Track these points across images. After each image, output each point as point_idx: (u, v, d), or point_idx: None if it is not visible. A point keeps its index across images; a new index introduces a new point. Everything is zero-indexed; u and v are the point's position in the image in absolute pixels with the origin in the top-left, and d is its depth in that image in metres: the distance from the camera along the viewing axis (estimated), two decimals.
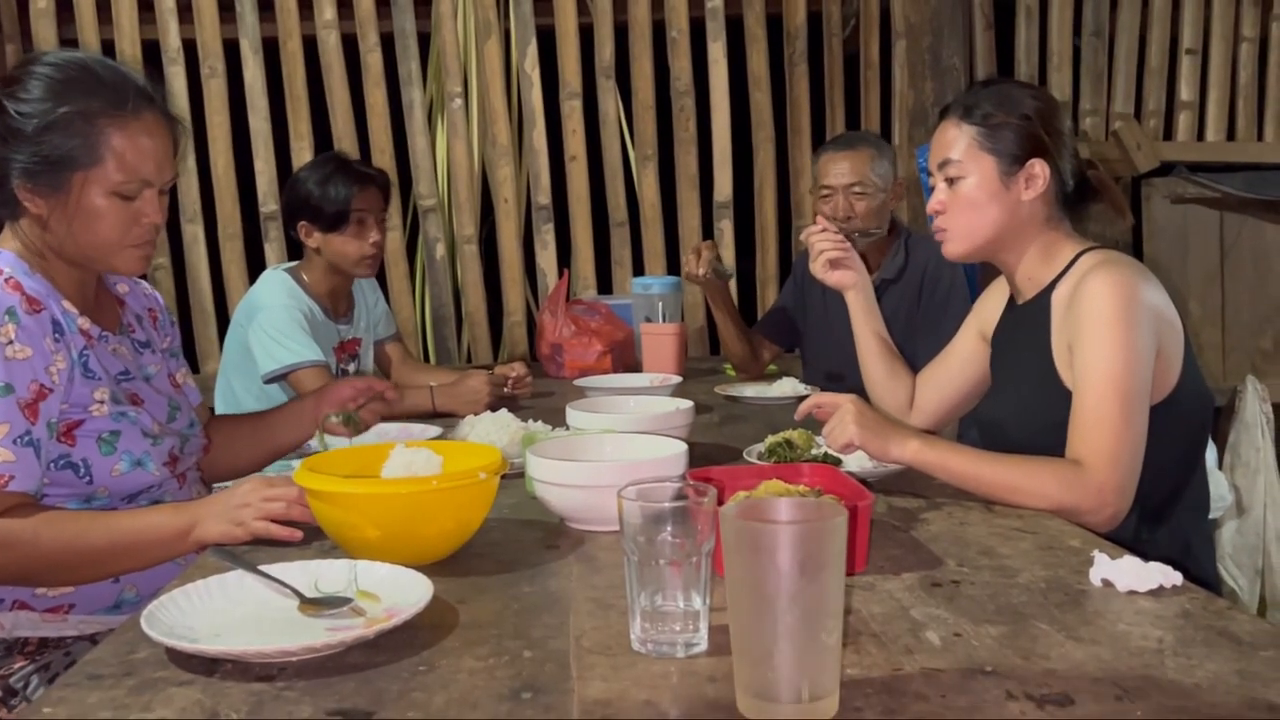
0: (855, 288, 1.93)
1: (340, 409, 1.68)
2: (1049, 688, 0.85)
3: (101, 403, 1.42)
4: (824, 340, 2.67)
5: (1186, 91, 3.87)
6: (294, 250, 2.87)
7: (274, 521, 1.27)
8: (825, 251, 1.92)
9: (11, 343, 1.32)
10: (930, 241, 2.35)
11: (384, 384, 1.76)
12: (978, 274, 3.15)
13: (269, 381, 2.33)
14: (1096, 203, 1.63)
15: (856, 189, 2.53)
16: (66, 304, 1.44)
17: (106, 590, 1.43)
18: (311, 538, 1.33)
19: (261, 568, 1.10)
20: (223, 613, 1.04)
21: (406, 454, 1.29)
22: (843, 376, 2.52)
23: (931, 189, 1.65)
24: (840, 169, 2.55)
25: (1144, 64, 3.85)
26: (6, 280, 1.35)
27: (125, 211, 1.41)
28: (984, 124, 1.56)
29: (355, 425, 1.67)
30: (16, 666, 1.38)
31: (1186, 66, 3.87)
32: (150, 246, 1.47)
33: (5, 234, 1.45)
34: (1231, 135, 3.90)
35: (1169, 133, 3.89)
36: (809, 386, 2.42)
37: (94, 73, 1.40)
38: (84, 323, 1.46)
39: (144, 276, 1.69)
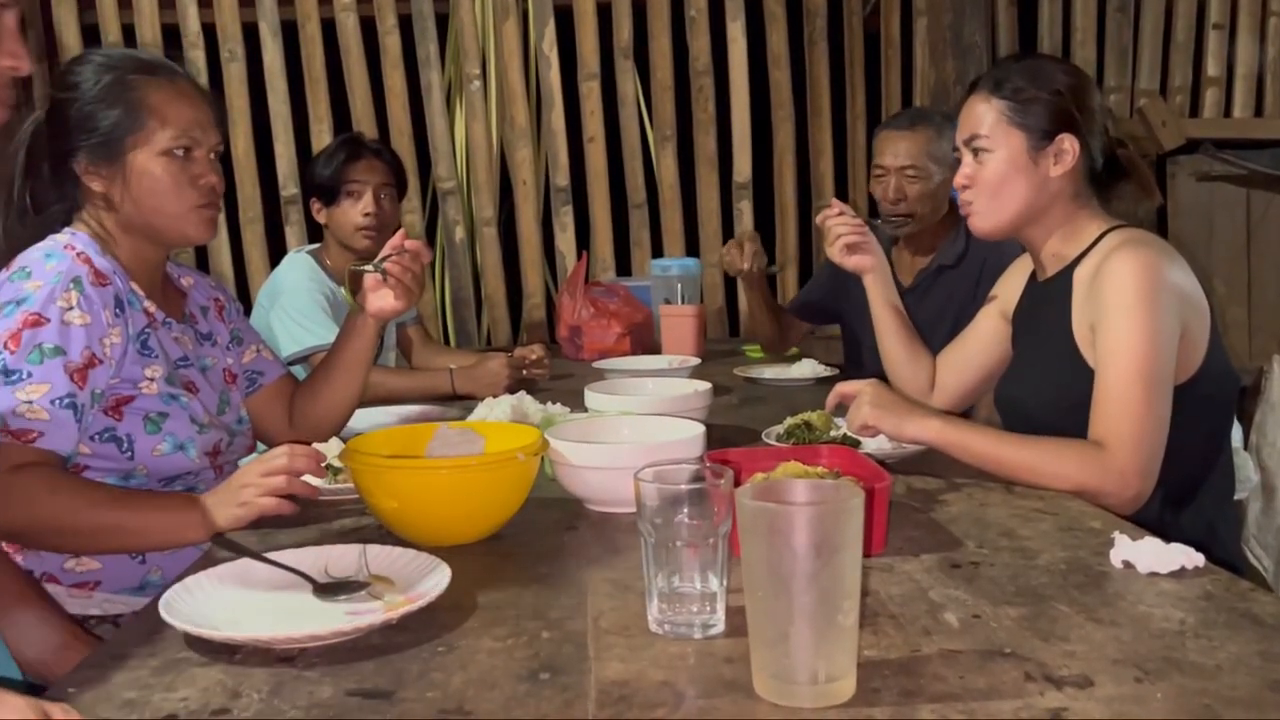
0: (873, 271, 1.92)
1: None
2: (1068, 669, 0.85)
3: (152, 380, 1.45)
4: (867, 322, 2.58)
5: (1213, 67, 3.81)
6: (315, 234, 2.88)
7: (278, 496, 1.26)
8: (842, 236, 1.90)
9: (72, 308, 1.37)
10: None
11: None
12: None
13: (291, 363, 2.34)
14: (1125, 181, 1.61)
15: (910, 172, 2.40)
16: (134, 285, 1.50)
17: (132, 570, 1.45)
18: (312, 522, 1.34)
19: (269, 555, 1.10)
20: (239, 599, 1.05)
21: (450, 434, 1.32)
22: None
23: (957, 162, 1.63)
24: (896, 149, 2.42)
25: (1170, 39, 3.79)
26: (78, 255, 1.42)
27: (181, 173, 1.48)
28: (1014, 98, 1.54)
29: (383, 276, 1.64)
30: None
31: (1213, 42, 3.80)
32: (214, 210, 1.54)
33: (78, 219, 1.51)
34: (1259, 111, 3.83)
35: (1195, 109, 3.83)
36: (828, 368, 2.41)
37: (127, 54, 1.53)
38: (149, 305, 1.51)
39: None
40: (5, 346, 1.32)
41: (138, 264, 1.52)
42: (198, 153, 1.49)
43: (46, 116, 1.49)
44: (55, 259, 1.40)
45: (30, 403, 1.31)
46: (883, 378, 1.97)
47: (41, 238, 1.48)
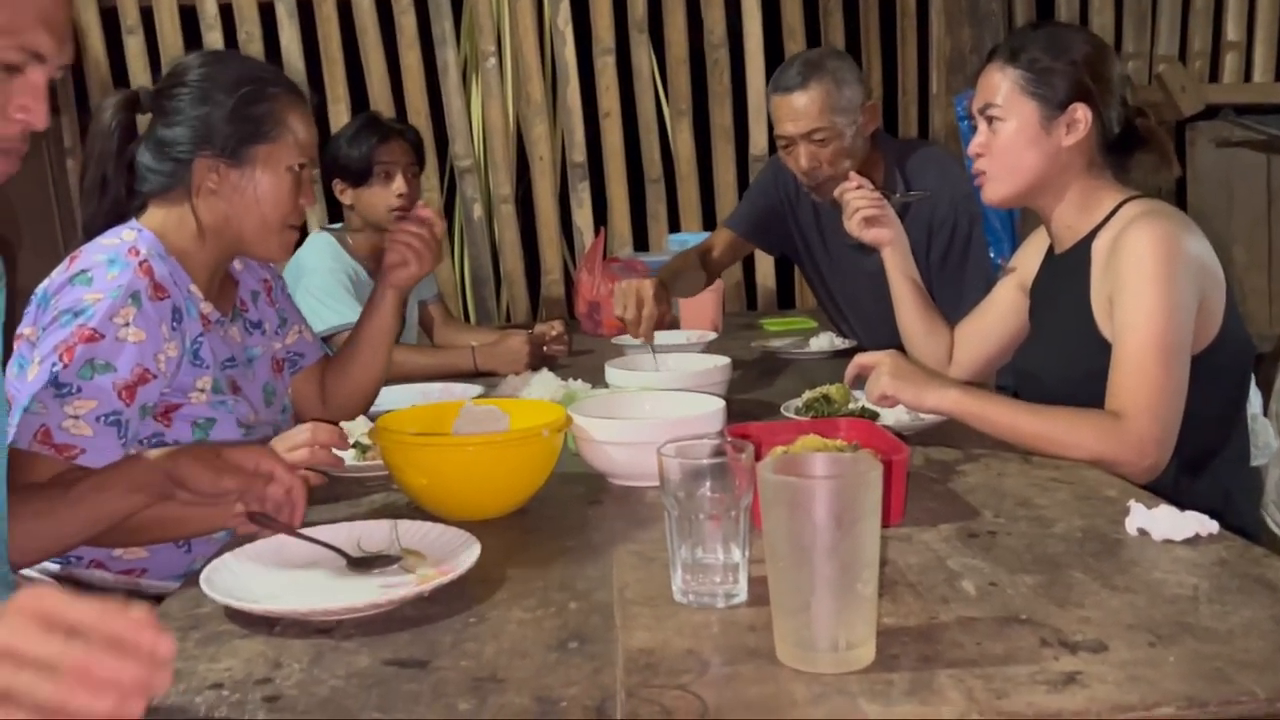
0: (892, 244, 1.92)
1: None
2: (1083, 634, 0.87)
3: (202, 391, 1.47)
4: (845, 288, 2.54)
5: (1233, 31, 3.77)
6: (335, 214, 2.90)
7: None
8: (860, 209, 1.90)
9: (128, 325, 1.36)
10: (931, 177, 2.24)
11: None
12: (1018, 221, 3.12)
13: None
14: (1144, 151, 1.61)
15: (818, 135, 2.17)
16: (193, 288, 1.50)
17: (178, 559, 1.49)
18: (343, 499, 1.37)
19: (303, 530, 1.13)
20: (276, 573, 1.08)
21: (475, 410, 1.35)
22: (856, 319, 2.48)
23: (973, 131, 1.63)
24: (795, 113, 2.17)
25: (1189, 3, 3.75)
26: (141, 264, 1.41)
27: (295, 187, 1.52)
28: (1029, 68, 1.54)
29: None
30: None
31: (1233, 5, 3.76)
32: (296, 234, 1.57)
33: (151, 210, 1.51)
34: None
35: (1215, 74, 3.79)
36: (846, 340, 2.42)
37: (258, 63, 1.60)
38: (206, 307, 1.52)
39: None
40: (60, 358, 1.32)
41: (200, 265, 1.51)
42: (306, 172, 1.53)
43: (157, 108, 1.49)
44: (118, 268, 1.38)
45: (77, 418, 1.32)
46: (871, 336, 1.96)
47: (113, 218, 1.49)
